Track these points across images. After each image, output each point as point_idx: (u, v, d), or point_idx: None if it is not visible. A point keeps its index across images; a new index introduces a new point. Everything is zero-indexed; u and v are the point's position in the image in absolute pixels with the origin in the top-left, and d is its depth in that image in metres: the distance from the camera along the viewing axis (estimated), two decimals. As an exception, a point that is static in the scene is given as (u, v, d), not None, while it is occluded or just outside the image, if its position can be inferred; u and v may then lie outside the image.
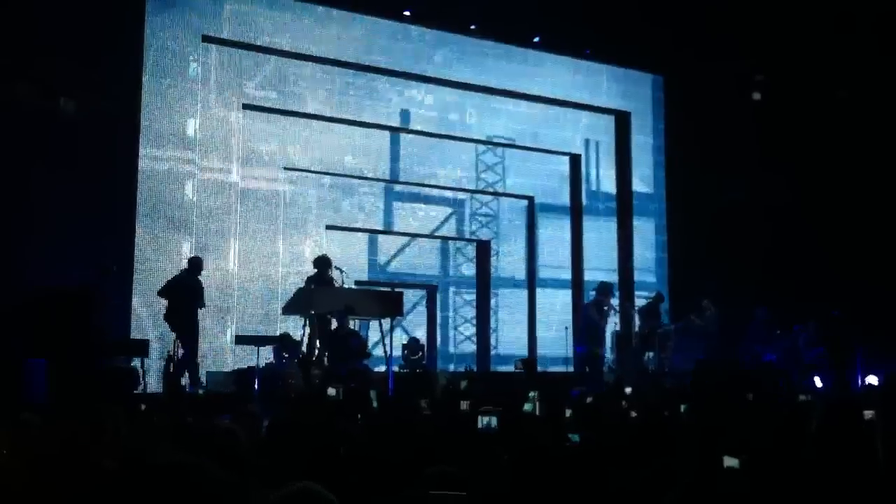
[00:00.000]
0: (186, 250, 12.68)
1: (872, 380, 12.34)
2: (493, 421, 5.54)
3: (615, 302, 13.92)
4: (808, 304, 13.98)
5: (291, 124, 14.16)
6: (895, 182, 14.56)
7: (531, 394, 7.98)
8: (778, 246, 15.43)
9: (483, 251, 16.05)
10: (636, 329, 15.15)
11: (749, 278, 15.23)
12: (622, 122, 17.26)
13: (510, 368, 14.44)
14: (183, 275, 11.60)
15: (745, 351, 14.35)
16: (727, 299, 14.60)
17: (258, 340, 11.64)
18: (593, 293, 14.03)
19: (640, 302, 15.79)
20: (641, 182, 17.17)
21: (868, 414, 4.92)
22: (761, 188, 15.84)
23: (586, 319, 13.56)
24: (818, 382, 12.50)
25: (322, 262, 12.17)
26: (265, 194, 13.83)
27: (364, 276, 14.31)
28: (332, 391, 7.85)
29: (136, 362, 10.86)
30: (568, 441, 5.28)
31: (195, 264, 11.72)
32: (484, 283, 15.96)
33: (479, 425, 5.54)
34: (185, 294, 11.32)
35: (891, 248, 14.35)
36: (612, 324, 14.09)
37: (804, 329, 13.74)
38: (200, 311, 11.59)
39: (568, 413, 6.69)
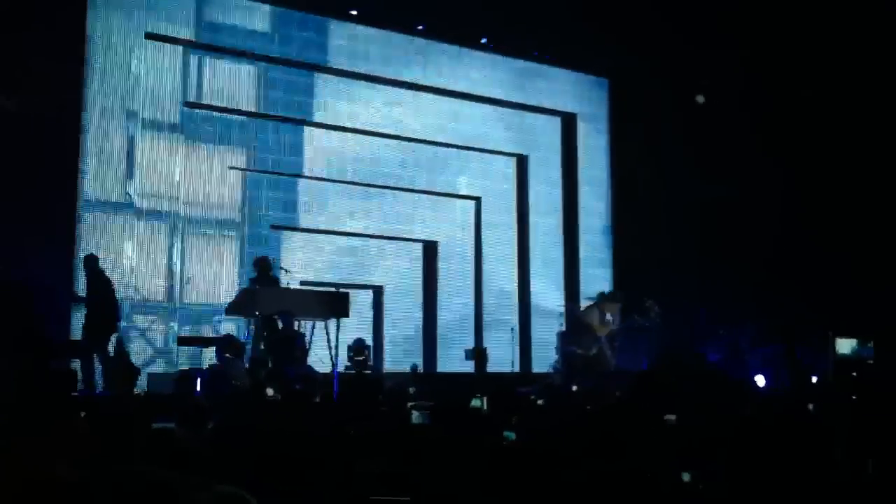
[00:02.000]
0: (128, 249, 12.49)
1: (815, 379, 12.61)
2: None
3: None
4: (750, 303, 14.23)
5: (239, 123, 14.06)
6: (840, 176, 14.80)
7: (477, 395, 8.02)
8: (721, 245, 15.63)
9: (429, 251, 16.02)
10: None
11: (693, 278, 15.43)
12: (569, 123, 17.38)
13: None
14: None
15: (689, 350, 14.51)
16: (671, 299, 14.76)
17: (201, 342, 11.50)
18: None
19: (584, 302, 15.91)
20: (587, 183, 17.30)
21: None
22: (704, 187, 16.03)
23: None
24: (760, 381, 12.69)
25: (263, 263, 12.08)
26: (209, 193, 13.69)
27: (310, 277, 14.18)
28: (270, 392, 7.79)
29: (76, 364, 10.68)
30: (504, 439, 5.31)
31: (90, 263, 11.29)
32: (430, 284, 15.94)
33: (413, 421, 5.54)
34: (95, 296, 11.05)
35: (835, 241, 14.60)
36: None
37: (746, 329, 13.96)
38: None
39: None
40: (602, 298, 14.84)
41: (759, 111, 15.56)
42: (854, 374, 11.66)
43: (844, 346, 12.65)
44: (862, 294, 13.60)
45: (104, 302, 10.98)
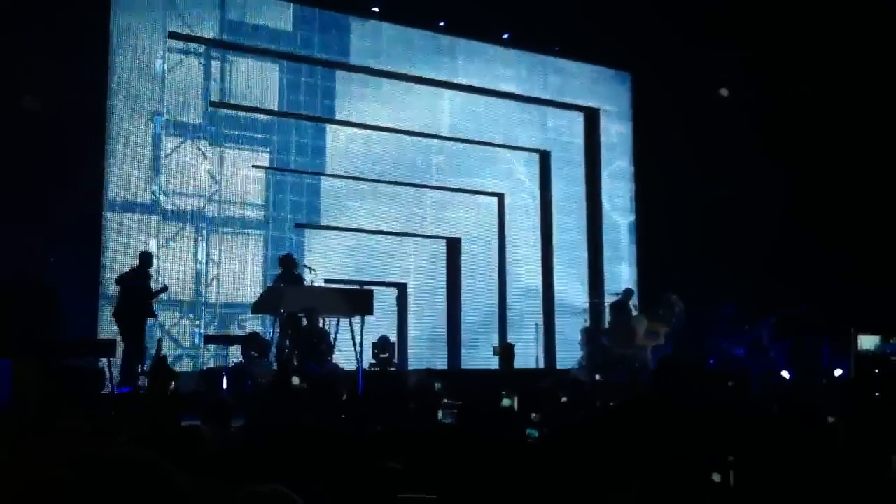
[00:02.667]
0: (154, 248, 12.59)
1: (838, 373, 12.53)
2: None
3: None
4: (773, 299, 14.15)
5: (262, 121, 14.14)
6: (859, 179, 14.74)
7: (504, 393, 8.02)
8: (745, 242, 15.56)
9: (453, 248, 16.04)
10: (605, 325, 15.26)
11: (716, 274, 15.35)
12: (591, 119, 17.33)
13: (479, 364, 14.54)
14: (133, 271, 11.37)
15: (713, 346, 14.47)
16: (694, 295, 14.71)
17: (227, 340, 11.58)
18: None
19: (609, 298, 15.86)
20: (611, 178, 17.23)
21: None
22: (730, 186, 15.95)
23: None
24: (786, 375, 12.64)
25: (287, 261, 12.12)
26: (234, 193, 13.79)
27: (334, 275, 14.23)
28: (296, 380, 7.83)
29: (104, 363, 10.76)
30: (527, 437, 5.31)
31: (143, 261, 11.40)
32: (454, 281, 15.96)
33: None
34: (132, 291, 11.15)
35: (855, 243, 14.55)
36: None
37: (768, 323, 13.90)
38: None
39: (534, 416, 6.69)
40: (654, 316, 14.70)
41: (789, 105, 15.48)
42: (876, 370, 11.55)
43: (867, 342, 12.55)
44: (886, 290, 13.52)
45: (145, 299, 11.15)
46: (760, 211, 15.55)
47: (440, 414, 6.46)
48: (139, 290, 11.10)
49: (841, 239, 14.65)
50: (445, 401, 7.70)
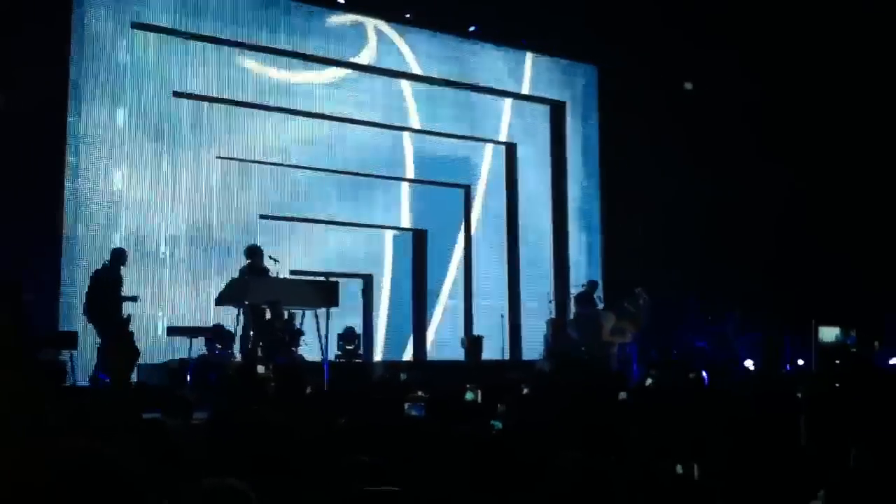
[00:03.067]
0: (117, 240, 12.44)
1: (800, 362, 12.73)
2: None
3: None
4: (736, 293, 14.32)
5: (225, 112, 14.00)
6: (823, 175, 14.94)
7: (468, 386, 8.05)
8: (709, 236, 15.71)
9: (419, 240, 16.03)
10: (570, 316, 15.33)
11: (681, 267, 15.49)
12: (557, 111, 17.37)
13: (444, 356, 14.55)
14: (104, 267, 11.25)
15: (677, 338, 14.61)
16: (660, 287, 14.82)
17: (190, 332, 11.48)
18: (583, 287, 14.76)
19: (573, 290, 15.92)
20: (577, 171, 17.30)
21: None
22: (693, 179, 16.08)
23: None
24: (750, 366, 12.80)
25: (253, 252, 12.03)
26: (196, 184, 13.66)
27: (299, 266, 14.16)
28: (261, 369, 7.79)
29: (66, 355, 10.64)
30: (491, 428, 5.33)
31: (116, 256, 11.30)
32: (420, 272, 15.96)
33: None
34: (102, 287, 11.00)
35: (821, 233, 14.76)
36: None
37: (732, 316, 14.05)
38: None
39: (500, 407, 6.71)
40: (621, 310, 14.77)
41: (750, 102, 15.64)
42: (837, 361, 11.74)
43: (828, 334, 12.74)
44: (846, 284, 13.75)
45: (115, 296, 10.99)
46: (725, 205, 15.70)
47: (407, 406, 6.47)
48: (110, 289, 10.95)
49: (804, 233, 14.86)
50: (420, 393, 7.71)
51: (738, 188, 15.55)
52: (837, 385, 6.08)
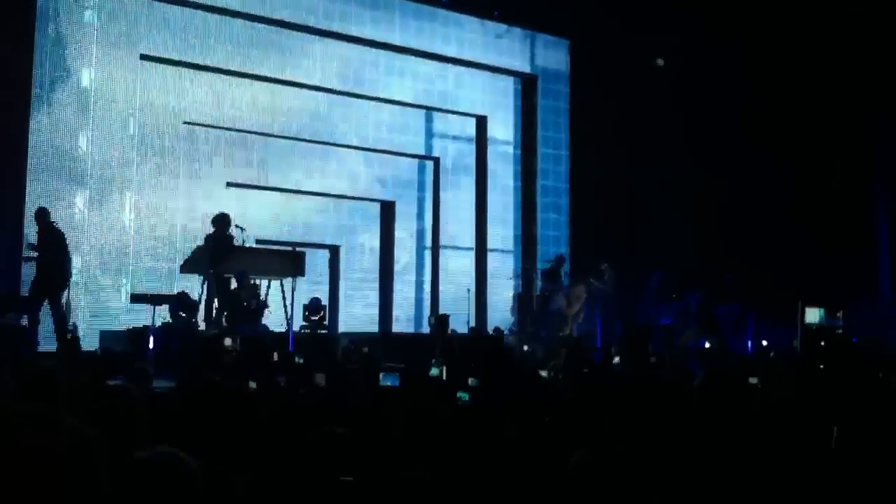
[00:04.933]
0: (80, 203, 12.26)
1: (764, 343, 12.80)
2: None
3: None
4: (701, 270, 14.43)
5: (194, 77, 13.78)
6: (785, 157, 15.05)
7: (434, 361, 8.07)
8: (675, 213, 15.78)
9: (387, 211, 15.96)
10: (537, 291, 15.39)
11: (647, 243, 15.56)
12: (528, 85, 17.32)
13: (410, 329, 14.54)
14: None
15: (642, 314, 14.71)
16: (625, 264, 14.90)
17: (154, 299, 11.35)
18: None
19: (541, 266, 15.97)
20: (546, 145, 17.27)
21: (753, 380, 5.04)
22: (662, 157, 16.12)
23: None
24: (706, 344, 12.87)
25: (221, 221, 11.91)
26: (164, 148, 13.46)
27: (266, 235, 14.04)
28: (228, 342, 7.74)
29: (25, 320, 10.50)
30: (458, 400, 5.34)
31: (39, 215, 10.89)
32: (387, 245, 15.89)
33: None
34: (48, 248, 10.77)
35: (779, 218, 14.89)
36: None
37: (696, 293, 14.14)
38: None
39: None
40: (570, 285, 14.91)
41: (724, 80, 15.67)
42: (822, 343, 11.74)
43: (812, 315, 12.72)
44: (833, 264, 13.90)
45: (56, 258, 10.73)
46: (693, 183, 15.76)
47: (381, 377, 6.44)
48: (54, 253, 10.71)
49: (785, 212, 14.95)
50: (390, 364, 7.72)
51: (709, 166, 15.60)
52: (822, 367, 6.10)
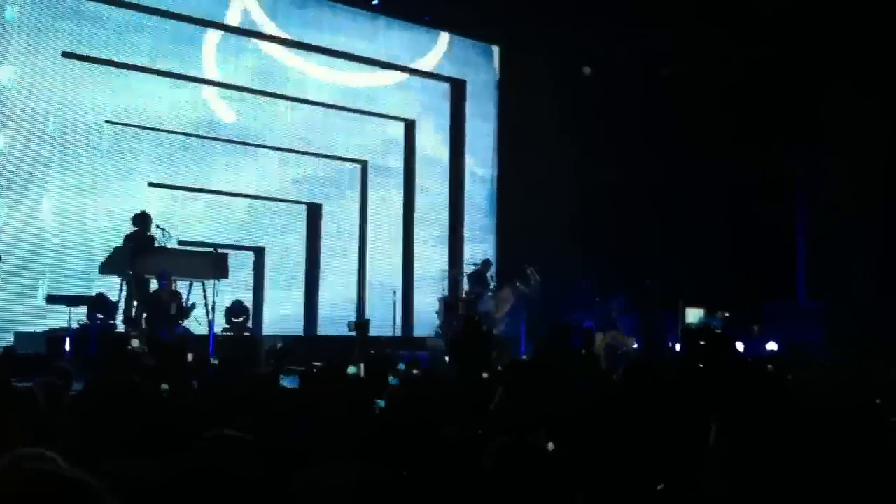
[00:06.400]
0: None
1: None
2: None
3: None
4: (623, 274, 14.72)
5: (117, 75, 13.56)
6: (712, 161, 15.41)
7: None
8: (599, 219, 16.04)
9: (314, 213, 15.87)
10: (463, 294, 15.46)
11: (572, 248, 15.77)
12: (458, 90, 17.41)
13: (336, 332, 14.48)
14: None
15: (566, 317, 14.87)
16: (551, 269, 15.07)
17: (71, 300, 11.16)
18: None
19: (468, 269, 16.05)
20: (474, 150, 17.39)
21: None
22: (587, 163, 16.36)
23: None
24: (634, 346, 13.13)
25: (141, 220, 11.75)
26: (84, 148, 13.21)
27: (190, 237, 13.85)
28: (135, 343, 7.64)
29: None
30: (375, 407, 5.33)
31: None
32: (314, 247, 15.80)
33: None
34: None
35: (703, 221, 15.25)
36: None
37: (617, 297, 14.40)
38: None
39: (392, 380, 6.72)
40: (497, 289, 15.07)
41: (643, 88, 15.98)
42: (702, 342, 12.06)
43: (693, 315, 13.11)
44: (715, 266, 14.32)
45: None
46: (616, 188, 16.05)
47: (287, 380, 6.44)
48: None
49: (687, 218, 15.34)
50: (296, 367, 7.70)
51: (631, 172, 15.90)
52: (700, 366, 6.29)
